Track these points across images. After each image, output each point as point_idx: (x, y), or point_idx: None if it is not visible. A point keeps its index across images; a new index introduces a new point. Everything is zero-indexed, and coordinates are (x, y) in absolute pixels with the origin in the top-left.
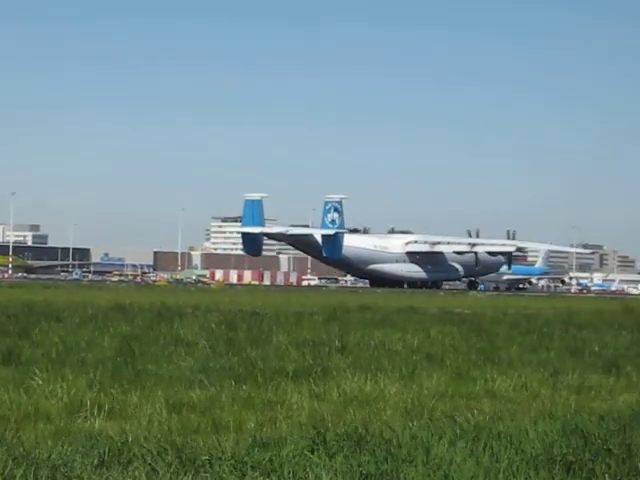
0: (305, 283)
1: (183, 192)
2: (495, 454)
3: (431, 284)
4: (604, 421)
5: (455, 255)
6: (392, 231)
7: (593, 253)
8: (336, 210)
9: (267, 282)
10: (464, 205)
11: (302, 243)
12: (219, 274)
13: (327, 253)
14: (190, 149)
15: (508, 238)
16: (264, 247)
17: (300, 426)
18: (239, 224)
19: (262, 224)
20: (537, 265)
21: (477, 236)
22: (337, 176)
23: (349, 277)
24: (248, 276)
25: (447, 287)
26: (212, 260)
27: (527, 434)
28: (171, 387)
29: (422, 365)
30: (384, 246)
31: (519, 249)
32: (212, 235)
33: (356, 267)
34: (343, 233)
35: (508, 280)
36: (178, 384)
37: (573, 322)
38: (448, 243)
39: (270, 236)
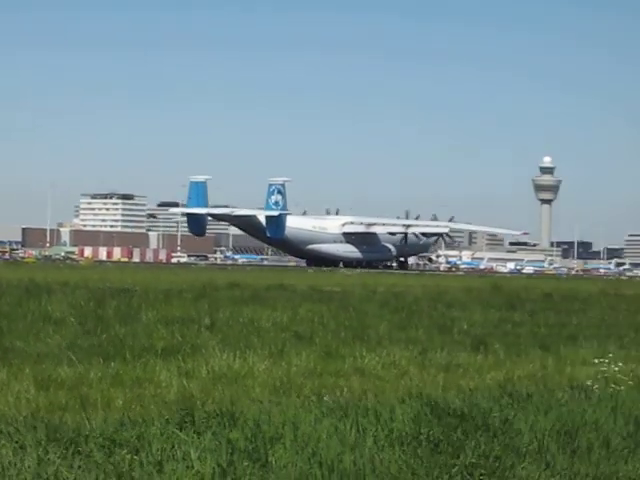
0: (175, 260)
1: (53, 167)
2: (362, 431)
3: (366, 264)
4: (472, 399)
5: (389, 236)
6: (329, 213)
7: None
8: (279, 192)
9: (136, 259)
10: (403, 189)
11: (246, 224)
12: (88, 251)
13: (271, 233)
14: (62, 124)
15: (445, 220)
16: (133, 225)
17: (169, 404)
18: (112, 200)
19: (206, 205)
20: None
21: (417, 219)
22: (280, 159)
23: (218, 255)
24: (117, 253)
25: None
26: (81, 237)
27: (394, 411)
28: (39, 364)
29: (291, 343)
30: (322, 227)
31: (451, 230)
32: (81, 212)
33: (296, 247)
34: (286, 215)
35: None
36: (46, 361)
37: (442, 300)
38: (383, 224)
39: (215, 216)
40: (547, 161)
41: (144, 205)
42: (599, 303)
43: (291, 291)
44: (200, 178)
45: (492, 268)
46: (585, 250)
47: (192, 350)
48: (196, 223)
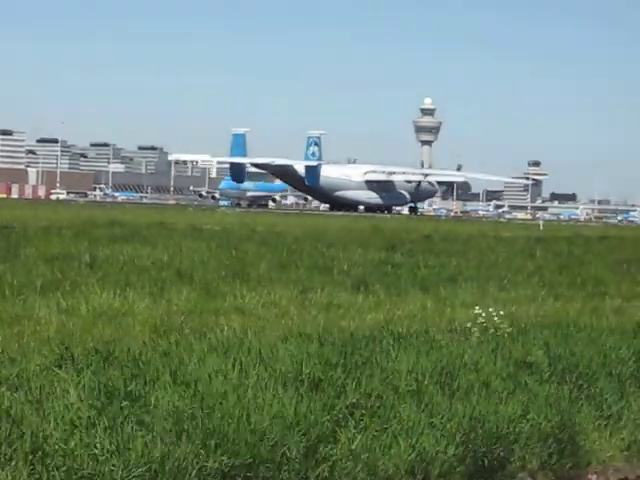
0: (54, 197)
1: None
2: (244, 370)
3: (384, 208)
4: (352, 339)
5: (404, 183)
6: (350, 162)
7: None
8: (316, 144)
9: (15, 195)
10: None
11: (285, 173)
12: None
13: (309, 182)
14: None
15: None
16: (12, 160)
17: (48, 341)
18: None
19: (245, 155)
20: (276, 182)
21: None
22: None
23: (98, 192)
24: None
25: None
26: None
27: (277, 351)
28: None
29: (171, 281)
30: (347, 175)
31: (466, 180)
32: None
33: (327, 194)
34: (321, 164)
35: (251, 197)
36: None
37: (322, 240)
38: (403, 173)
39: (257, 166)
40: (428, 103)
41: (23, 141)
42: (478, 245)
43: (171, 229)
44: (240, 130)
45: None
46: (465, 192)
47: (72, 287)
48: (237, 171)
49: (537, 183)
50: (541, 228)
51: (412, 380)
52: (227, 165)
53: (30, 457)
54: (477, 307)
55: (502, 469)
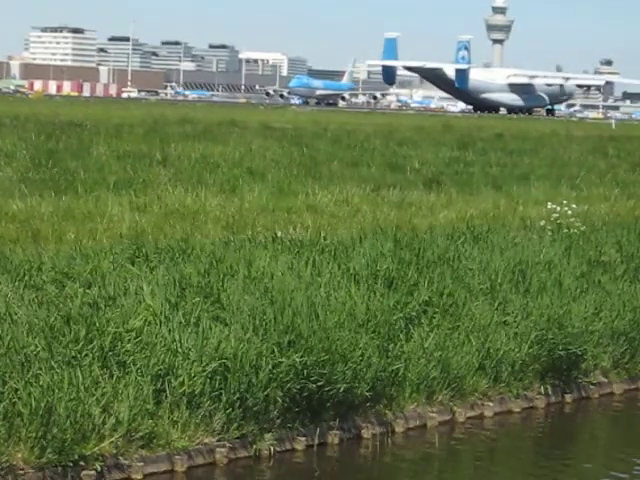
0: (125, 95)
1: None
2: (317, 268)
3: (526, 110)
4: (426, 237)
5: (544, 87)
6: (487, 66)
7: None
8: (466, 48)
9: (86, 94)
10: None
11: (435, 76)
12: (38, 84)
13: (459, 84)
14: None
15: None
16: (83, 59)
17: (121, 238)
18: (62, 34)
19: (396, 58)
20: (344, 80)
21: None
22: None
23: (169, 90)
24: (67, 87)
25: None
26: (31, 70)
27: (351, 249)
28: None
29: (243, 179)
30: (492, 78)
31: (607, 82)
32: (31, 45)
33: (473, 96)
34: (470, 67)
35: (320, 95)
36: None
37: (393, 138)
38: (544, 76)
39: (410, 69)
40: (500, 1)
41: (94, 39)
42: (550, 144)
43: (242, 127)
44: (392, 35)
45: (443, 107)
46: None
47: (144, 185)
48: (389, 74)
49: (609, 82)
50: (614, 127)
51: (485, 278)
52: (298, 63)
53: (106, 352)
54: (550, 204)
55: (575, 368)
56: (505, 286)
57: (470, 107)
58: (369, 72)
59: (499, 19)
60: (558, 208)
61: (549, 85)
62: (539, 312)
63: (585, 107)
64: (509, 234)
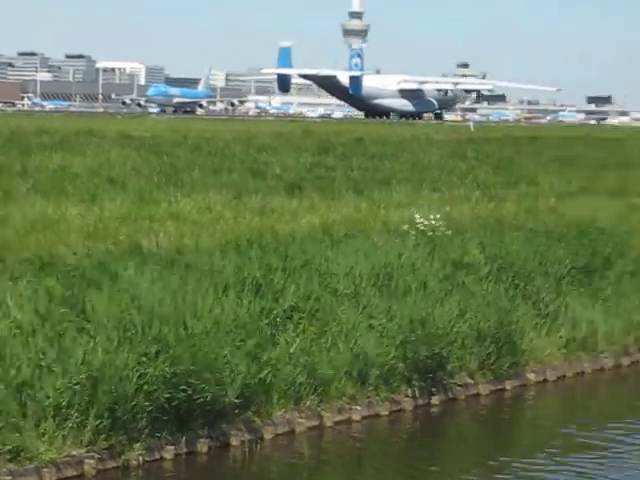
0: None
1: None
2: (183, 277)
3: (416, 115)
4: (290, 243)
5: (434, 92)
6: (378, 72)
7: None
8: (359, 56)
9: None
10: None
11: (329, 83)
12: None
13: (353, 91)
14: None
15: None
16: None
17: None
18: None
19: (290, 67)
20: (200, 88)
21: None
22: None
23: (26, 101)
24: None
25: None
26: None
27: (215, 257)
28: None
29: (104, 188)
30: (384, 84)
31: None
32: None
33: (366, 102)
34: (363, 75)
35: (177, 103)
36: None
37: (253, 145)
38: (435, 82)
39: (305, 76)
40: (356, 6)
41: None
42: (410, 147)
43: (100, 137)
44: (286, 44)
45: (302, 113)
46: None
47: (4, 197)
48: (283, 82)
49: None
50: (472, 129)
51: (350, 283)
52: (156, 71)
53: None
54: (413, 208)
55: (441, 370)
56: (370, 290)
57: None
58: (227, 79)
59: (355, 24)
60: (421, 211)
61: (439, 90)
62: (403, 314)
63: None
64: (372, 238)
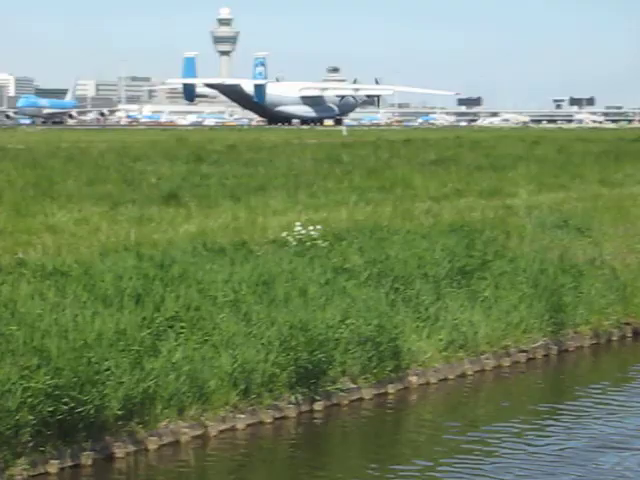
0: None
1: None
2: (61, 290)
3: (317, 121)
4: (168, 252)
5: (334, 98)
6: (278, 80)
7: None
8: (262, 64)
9: None
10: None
11: (234, 91)
12: None
13: (257, 99)
14: None
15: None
16: None
17: None
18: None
19: (195, 76)
20: (67, 98)
21: (354, 82)
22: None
23: None
24: None
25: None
26: None
27: (94, 268)
28: None
29: None
30: (285, 91)
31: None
32: None
33: (269, 110)
34: (267, 83)
35: (47, 114)
36: None
37: (128, 154)
38: (335, 88)
39: (211, 86)
40: (225, 13)
41: None
42: (284, 153)
43: None
44: (191, 54)
45: (173, 121)
46: None
47: None
48: (189, 91)
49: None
50: (344, 133)
51: (230, 290)
52: (25, 82)
53: None
54: (290, 214)
55: (323, 375)
56: (250, 297)
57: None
58: (97, 88)
59: (225, 30)
60: (299, 216)
61: (339, 96)
62: (285, 321)
63: None
64: (251, 245)
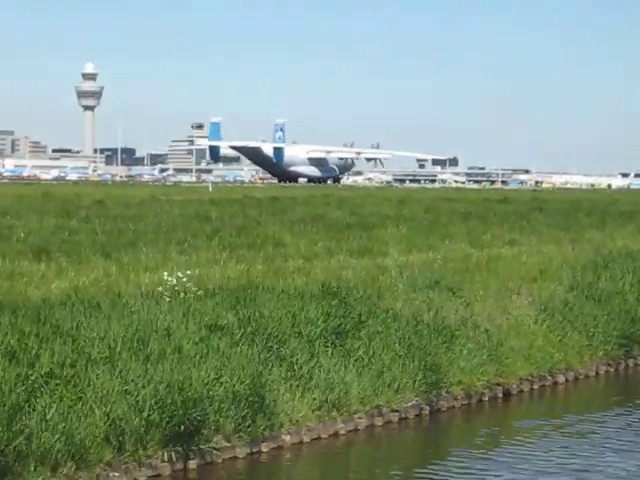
0: None
1: None
2: None
3: (322, 180)
4: (42, 308)
5: (336, 160)
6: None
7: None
8: (281, 130)
9: None
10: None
11: (255, 154)
12: None
13: (277, 161)
14: None
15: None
16: None
17: None
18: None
19: (220, 139)
20: None
21: (352, 146)
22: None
23: None
24: None
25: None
26: None
27: None
28: None
29: None
30: (296, 153)
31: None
32: None
33: (284, 169)
34: (285, 146)
35: None
36: None
37: None
38: (339, 151)
39: (235, 148)
40: (90, 67)
41: None
42: (153, 209)
43: None
44: (216, 119)
45: (36, 175)
46: (129, 156)
47: None
48: (215, 152)
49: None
50: (210, 190)
51: (105, 347)
52: None
53: None
54: (165, 273)
55: (198, 433)
56: (125, 354)
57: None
58: None
59: (89, 85)
60: (172, 274)
61: (341, 159)
62: (159, 379)
63: (178, 171)
64: (126, 301)
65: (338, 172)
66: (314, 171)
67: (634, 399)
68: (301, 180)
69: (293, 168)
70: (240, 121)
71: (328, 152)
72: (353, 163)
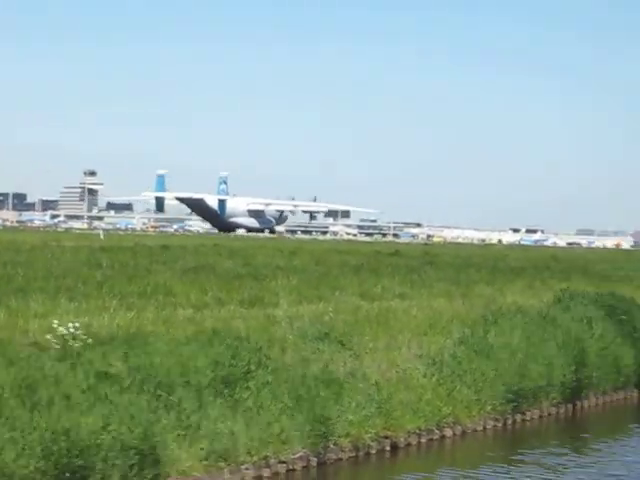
0: None
1: None
2: None
3: (260, 231)
4: None
5: (273, 212)
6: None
7: None
8: (224, 182)
9: None
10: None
11: (199, 206)
12: None
13: (221, 212)
14: None
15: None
16: None
17: None
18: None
19: (165, 191)
20: None
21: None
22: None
23: None
24: None
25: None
26: None
27: None
28: None
29: None
30: (236, 205)
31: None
32: None
33: (225, 221)
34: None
35: None
36: None
37: None
38: (278, 204)
39: (181, 200)
40: None
41: None
42: (43, 255)
43: None
44: (162, 172)
45: None
46: (20, 202)
47: None
48: (160, 203)
49: (93, 192)
50: (102, 237)
51: None
52: None
53: None
54: (54, 320)
55: None
56: (12, 401)
57: None
58: None
59: None
60: (60, 321)
61: (278, 211)
62: (47, 426)
63: (70, 217)
64: (13, 349)
65: (275, 223)
66: (253, 222)
67: (514, 455)
68: (239, 230)
69: (233, 219)
70: (183, 173)
71: (267, 204)
72: (288, 215)
